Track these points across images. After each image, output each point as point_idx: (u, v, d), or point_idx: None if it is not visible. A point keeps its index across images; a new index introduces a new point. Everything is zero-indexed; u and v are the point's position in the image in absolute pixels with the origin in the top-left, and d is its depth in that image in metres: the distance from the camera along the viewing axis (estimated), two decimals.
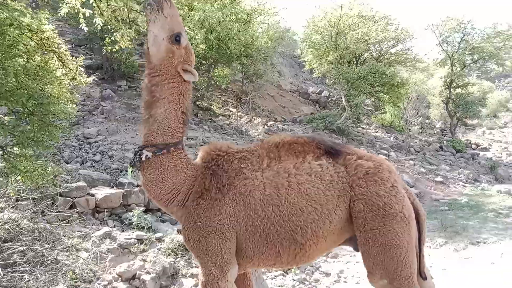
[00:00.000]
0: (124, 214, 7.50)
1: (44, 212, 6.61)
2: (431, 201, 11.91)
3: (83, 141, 11.72)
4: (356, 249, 2.98)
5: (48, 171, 4.80)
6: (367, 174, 2.81)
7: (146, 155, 2.85)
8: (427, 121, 31.04)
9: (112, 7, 5.02)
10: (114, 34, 5.50)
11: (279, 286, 5.87)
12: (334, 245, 3.00)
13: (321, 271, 6.64)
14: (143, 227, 7.14)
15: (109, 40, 5.91)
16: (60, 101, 4.24)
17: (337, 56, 18.59)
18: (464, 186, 14.36)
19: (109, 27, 5.47)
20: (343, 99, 17.98)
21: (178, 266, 6.11)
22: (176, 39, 2.80)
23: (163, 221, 7.93)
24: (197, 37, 11.05)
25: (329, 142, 3.10)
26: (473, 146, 24.23)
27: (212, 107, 15.82)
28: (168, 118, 2.84)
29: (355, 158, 2.91)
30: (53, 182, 6.47)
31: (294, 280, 6.15)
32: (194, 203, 2.85)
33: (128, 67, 16.08)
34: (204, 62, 14.79)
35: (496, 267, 6.66)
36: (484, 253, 7.37)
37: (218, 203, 2.79)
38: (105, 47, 6.21)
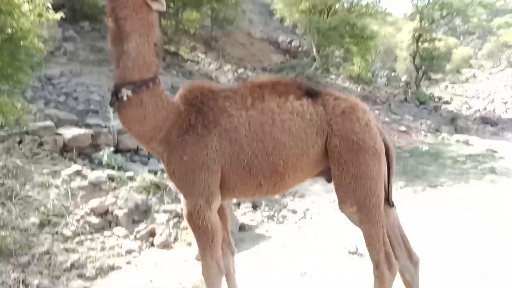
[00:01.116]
0: (94, 154, 7.46)
1: (11, 150, 6.51)
2: (394, 149, 12.44)
3: (45, 82, 11.29)
4: (328, 180, 3.20)
5: (18, 108, 4.68)
6: (343, 113, 3.00)
7: (126, 94, 2.78)
8: (393, 74, 31.65)
9: None
10: None
11: (250, 220, 6.13)
12: (309, 176, 3.21)
13: (289, 209, 6.96)
14: (113, 167, 7.16)
15: None
16: (31, 36, 4.06)
17: (308, 5, 18.32)
18: (425, 135, 15.03)
19: None
20: (314, 49, 17.96)
21: (150, 203, 6.23)
22: None
23: (133, 161, 7.97)
24: None
25: (309, 84, 3.27)
26: (436, 99, 25.07)
27: (180, 52, 15.45)
28: (142, 52, 2.77)
29: (332, 98, 3.09)
30: (17, 121, 6.32)
31: (263, 216, 6.43)
32: (179, 139, 2.90)
33: (91, 7, 15.33)
34: (172, 5, 14.27)
35: (447, 206, 7.19)
36: (439, 195, 7.90)
37: (204, 139, 2.86)
38: None
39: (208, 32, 18.06)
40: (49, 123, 7.35)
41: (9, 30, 4.08)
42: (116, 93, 2.81)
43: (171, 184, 6.83)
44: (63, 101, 10.21)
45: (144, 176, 6.78)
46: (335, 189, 3.02)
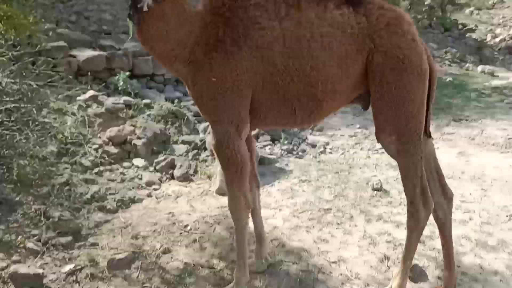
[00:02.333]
0: (109, 78, 7.22)
1: (24, 72, 6.27)
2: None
3: (55, 0, 10.72)
4: (365, 107, 2.92)
5: (31, 21, 4.35)
6: (388, 25, 2.63)
7: (147, 3, 2.47)
8: None
9: None
10: None
11: (269, 154, 6.01)
12: (346, 102, 2.91)
13: (308, 142, 6.80)
14: (129, 93, 6.95)
15: None
16: None
17: None
18: (450, 65, 14.34)
19: None
20: None
21: (169, 133, 6.11)
22: None
23: (149, 88, 7.73)
24: None
25: None
26: (459, 27, 23.73)
27: None
28: None
29: (376, 7, 2.69)
30: (30, 39, 6.00)
31: (282, 149, 6.30)
32: (206, 57, 2.61)
33: None
34: None
35: (475, 142, 6.96)
36: (465, 130, 7.65)
37: (234, 57, 2.56)
38: None
39: None
40: (62, 43, 7.02)
41: None
42: (135, 2, 2.49)
43: (189, 114, 6.67)
44: (74, 21, 9.74)
45: (161, 103, 6.60)
46: (374, 115, 2.73)
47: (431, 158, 2.95)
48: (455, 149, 6.60)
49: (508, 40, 21.40)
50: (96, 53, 7.26)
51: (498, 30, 25.12)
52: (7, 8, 3.98)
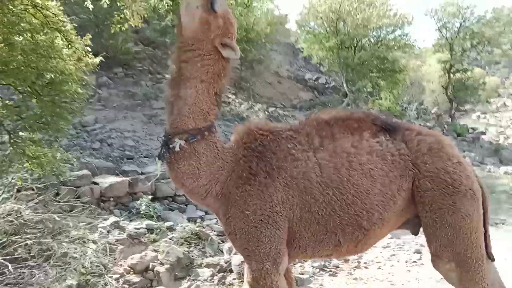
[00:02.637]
0: (131, 203, 7.21)
1: (47, 203, 6.28)
2: None
3: (80, 129, 11.30)
4: (414, 232, 2.78)
5: (58, 158, 4.44)
6: (431, 150, 2.58)
7: (179, 144, 2.48)
8: (422, 106, 31.04)
9: None
10: (124, 11, 5.13)
11: (300, 273, 5.62)
12: (392, 228, 2.77)
13: None
14: (152, 216, 6.86)
15: (119, 17, 5.53)
16: (73, 80, 3.87)
17: (337, 41, 18.25)
18: None
19: (118, 3, 5.08)
20: (344, 85, 17.75)
21: (193, 256, 5.84)
22: (211, 6, 2.40)
23: (171, 210, 7.65)
24: None
25: (383, 117, 2.84)
26: (470, 131, 24.24)
27: None
28: (200, 100, 2.48)
29: (415, 133, 2.67)
30: (54, 171, 6.10)
31: (314, 267, 5.91)
32: (239, 191, 2.54)
33: (124, 53, 15.62)
34: None
35: None
36: (504, 235, 7.21)
37: (268, 189, 2.49)
38: (113, 26, 5.83)
39: (237, 73, 18.12)
40: (85, 172, 7.15)
41: (50, 75, 3.89)
42: (166, 143, 2.51)
43: (212, 234, 6.47)
44: (98, 148, 10.14)
45: (184, 225, 6.46)
46: (428, 242, 2.58)
47: (496, 282, 2.69)
48: (500, 257, 6.12)
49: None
50: (119, 179, 7.34)
51: (508, 132, 25.57)
52: (35, 148, 4.09)
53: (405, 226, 2.78)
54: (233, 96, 16.61)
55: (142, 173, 8.19)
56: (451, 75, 21.56)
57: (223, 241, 6.42)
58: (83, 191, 6.80)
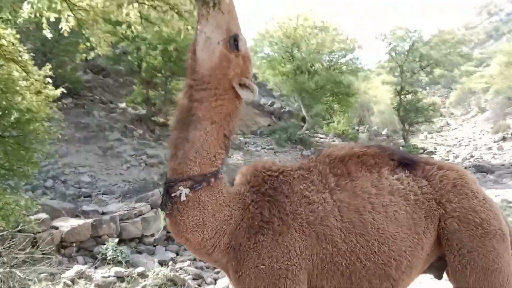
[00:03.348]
0: (96, 247, 6.56)
1: (1, 254, 5.55)
2: None
3: None
4: (438, 276, 2.55)
5: (21, 205, 3.86)
6: (455, 187, 2.39)
7: (184, 192, 2.15)
8: (373, 128, 32.01)
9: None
10: (90, 39, 4.68)
11: None
12: (418, 275, 2.52)
13: None
14: (120, 262, 6.25)
15: (84, 46, 5.06)
16: (41, 118, 3.37)
17: (293, 67, 18.43)
18: None
19: (84, 31, 4.64)
20: (303, 110, 17.85)
21: None
22: (234, 42, 2.17)
23: (139, 252, 7.06)
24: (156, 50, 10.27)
25: (400, 151, 2.63)
26: (421, 151, 25.11)
27: (169, 122, 14.93)
28: (208, 143, 2.19)
29: (435, 168, 2.46)
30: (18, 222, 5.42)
31: None
32: (251, 242, 2.20)
33: (73, 83, 14.80)
34: (159, 75, 13.96)
35: None
36: None
37: (284, 238, 2.18)
38: (79, 55, 5.34)
39: None
40: (43, 215, 6.44)
41: (15, 113, 3.36)
42: (168, 190, 2.16)
43: (188, 278, 5.98)
44: (50, 186, 9.34)
45: (156, 270, 5.92)
46: (455, 286, 2.34)
47: None
48: None
49: (470, 159, 22.66)
50: (80, 221, 6.69)
51: (456, 151, 26.78)
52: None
53: (428, 270, 2.55)
54: None
55: (104, 213, 7.54)
56: (402, 96, 22.37)
57: (200, 285, 5.98)
58: (41, 237, 6.11)
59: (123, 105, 15.05)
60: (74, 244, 6.30)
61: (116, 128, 13.24)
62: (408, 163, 2.48)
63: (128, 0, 4.47)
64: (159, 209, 2.24)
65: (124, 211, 7.40)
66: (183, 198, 2.14)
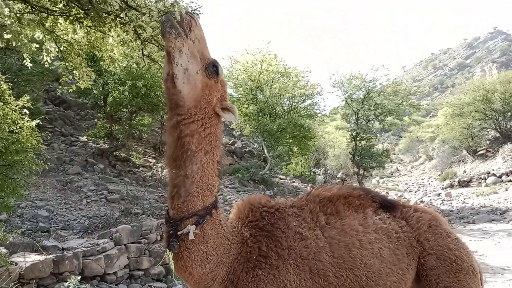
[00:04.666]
0: (56, 285, 6.26)
1: None
2: None
3: None
4: None
5: None
6: (430, 227, 2.63)
7: (193, 230, 2.17)
8: (328, 171, 32.87)
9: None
10: (73, 72, 4.74)
11: None
12: None
13: None
14: None
15: (66, 79, 5.08)
16: (28, 149, 3.33)
17: (257, 108, 18.89)
18: None
19: (66, 65, 4.71)
20: (265, 150, 18.17)
21: None
22: (213, 69, 2.17)
23: None
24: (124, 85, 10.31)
25: (380, 194, 2.87)
26: None
27: (131, 157, 14.70)
28: (207, 174, 2.21)
29: (412, 210, 2.71)
30: None
31: None
32: (249, 276, 2.29)
33: (33, 114, 14.38)
34: (124, 110, 13.88)
35: None
36: None
37: (280, 272, 2.28)
38: (60, 87, 5.34)
39: (156, 137, 17.65)
40: (2, 250, 6.12)
41: (3, 143, 3.33)
42: (175, 231, 2.17)
43: None
44: (5, 220, 8.85)
45: None
46: None
47: None
48: None
49: (419, 204, 23.65)
50: (41, 257, 6.39)
51: (407, 196, 27.91)
52: None
53: None
54: (154, 161, 16.00)
55: (64, 249, 7.25)
56: (357, 142, 23.34)
57: None
58: None
59: (84, 138, 14.72)
60: (34, 281, 5.99)
61: (77, 161, 12.88)
62: (388, 205, 2.71)
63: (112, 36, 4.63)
64: (167, 250, 2.22)
65: (87, 247, 7.16)
66: (191, 237, 2.16)
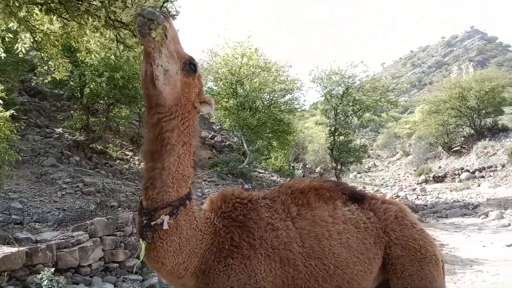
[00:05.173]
0: (29, 277, 6.18)
1: None
2: None
3: None
4: None
5: None
6: (397, 218, 2.75)
7: (167, 220, 2.22)
8: (307, 166, 33.16)
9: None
10: (49, 63, 4.68)
11: None
12: None
13: None
14: None
15: (42, 69, 5.00)
16: (1, 139, 3.28)
17: (237, 102, 18.90)
18: None
19: (42, 55, 4.64)
20: (245, 144, 18.21)
21: None
22: (190, 67, 2.22)
23: (76, 283, 6.74)
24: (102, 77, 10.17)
25: (350, 187, 2.97)
26: None
27: (108, 150, 14.53)
28: (183, 165, 2.27)
29: (379, 202, 2.83)
30: None
31: None
32: (221, 265, 2.35)
33: (7, 105, 14.05)
34: (102, 102, 13.70)
35: None
36: None
37: (251, 262, 2.36)
38: (35, 78, 5.25)
39: (134, 130, 17.47)
40: None
41: None
42: (149, 221, 2.22)
43: None
44: None
45: None
46: None
47: None
48: None
49: (395, 199, 24.15)
50: (13, 249, 6.30)
51: (383, 190, 28.44)
52: None
53: None
54: (131, 153, 15.85)
55: (38, 241, 7.16)
56: (336, 137, 23.60)
57: None
58: None
59: (59, 130, 14.46)
60: (6, 273, 5.91)
61: (52, 153, 12.66)
62: (357, 197, 2.82)
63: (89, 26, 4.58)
64: (140, 240, 2.26)
65: (61, 239, 7.09)
66: (165, 227, 2.21)
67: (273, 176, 21.42)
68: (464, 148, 33.03)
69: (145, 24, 2.02)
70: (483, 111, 31.98)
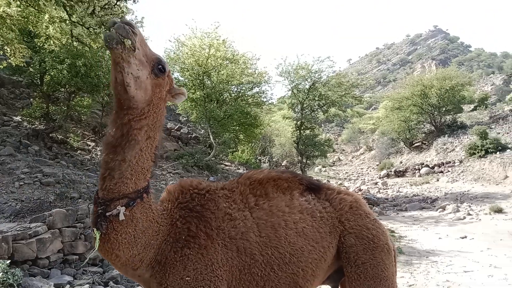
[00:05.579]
0: None
1: None
2: None
3: None
4: (334, 286, 2.95)
5: None
6: (351, 208, 2.84)
7: (122, 211, 2.19)
8: (273, 159, 33.45)
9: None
10: (4, 48, 4.49)
11: None
12: (319, 284, 2.88)
13: None
14: (11, 285, 5.77)
15: None
16: None
17: (203, 94, 18.74)
18: None
19: None
20: (211, 137, 18.13)
21: None
22: (159, 69, 2.22)
23: (33, 275, 6.54)
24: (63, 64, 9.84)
25: (307, 177, 3.04)
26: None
27: (69, 140, 14.11)
28: (143, 158, 2.24)
29: (335, 192, 2.91)
30: None
31: None
32: (177, 255, 2.34)
33: None
34: (63, 90, 13.26)
35: None
36: None
37: (208, 252, 2.37)
38: None
39: (96, 120, 17.04)
40: None
41: None
42: (104, 211, 2.18)
43: None
44: None
45: None
46: None
47: None
48: None
49: (358, 192, 24.74)
50: None
51: (346, 184, 29.07)
52: None
53: (327, 281, 2.94)
54: (93, 144, 15.47)
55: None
56: (302, 131, 23.89)
57: None
58: None
59: (18, 118, 13.92)
60: None
61: (9, 142, 12.17)
62: (314, 187, 2.89)
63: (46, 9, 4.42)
64: (94, 229, 2.21)
65: (18, 231, 6.85)
66: (121, 217, 2.18)
67: (239, 169, 21.44)
68: (424, 144, 34.20)
69: (112, 39, 2.00)
70: (443, 109, 33.16)
